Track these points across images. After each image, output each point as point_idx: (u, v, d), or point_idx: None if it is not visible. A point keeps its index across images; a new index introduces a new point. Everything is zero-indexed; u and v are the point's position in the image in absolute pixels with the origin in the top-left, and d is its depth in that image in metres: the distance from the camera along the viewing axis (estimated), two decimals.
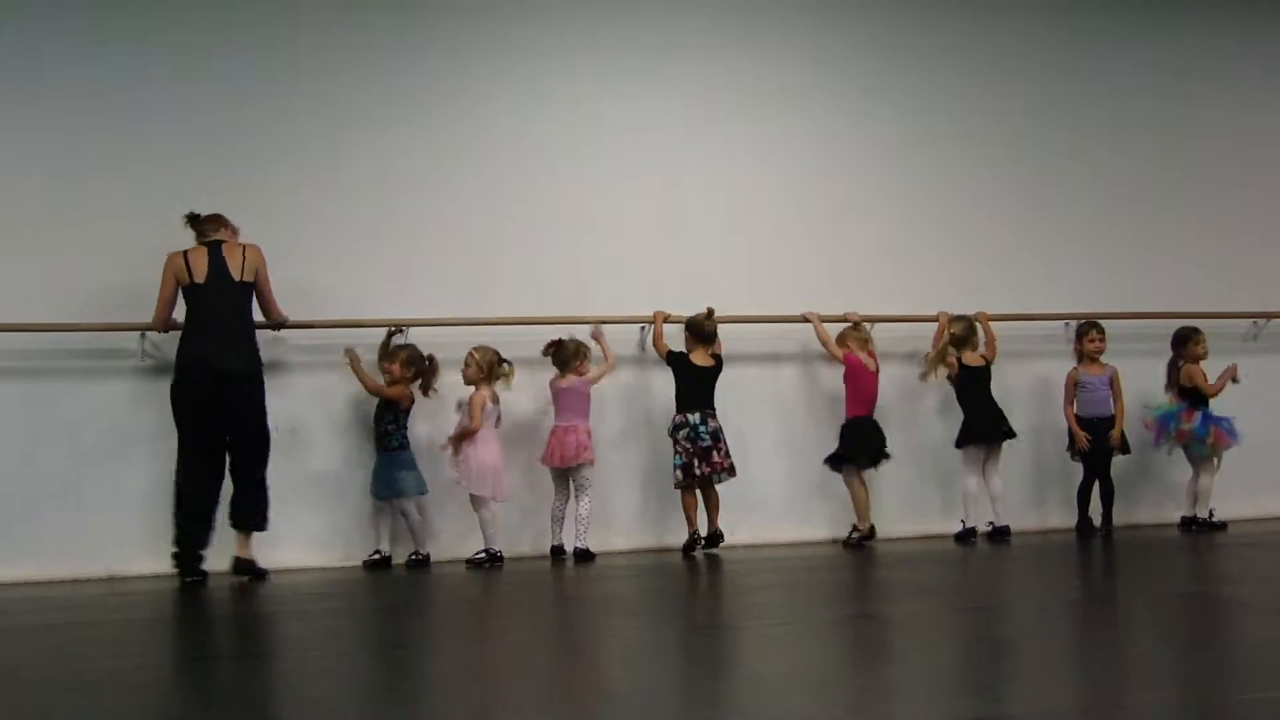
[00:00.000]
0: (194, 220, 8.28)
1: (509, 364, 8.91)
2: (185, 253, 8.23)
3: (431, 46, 9.45)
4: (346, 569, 8.79)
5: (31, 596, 7.93)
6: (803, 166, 10.11)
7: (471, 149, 9.45)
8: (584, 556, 8.90)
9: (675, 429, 9.12)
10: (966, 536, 9.56)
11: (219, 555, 8.28)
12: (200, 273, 8.16)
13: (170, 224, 8.42)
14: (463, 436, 8.74)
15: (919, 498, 9.96)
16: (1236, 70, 11.04)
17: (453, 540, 8.99)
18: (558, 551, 9.02)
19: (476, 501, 8.82)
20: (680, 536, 9.25)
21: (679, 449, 9.08)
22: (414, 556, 8.80)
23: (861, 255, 10.05)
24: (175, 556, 8.16)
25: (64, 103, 8.77)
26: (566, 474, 9.05)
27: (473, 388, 8.82)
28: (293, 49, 9.20)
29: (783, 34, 10.14)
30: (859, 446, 9.46)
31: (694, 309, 9.38)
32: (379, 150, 9.30)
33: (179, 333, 8.35)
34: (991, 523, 9.64)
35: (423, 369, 8.82)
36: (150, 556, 8.40)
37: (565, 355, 9.09)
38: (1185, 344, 10.03)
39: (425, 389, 8.87)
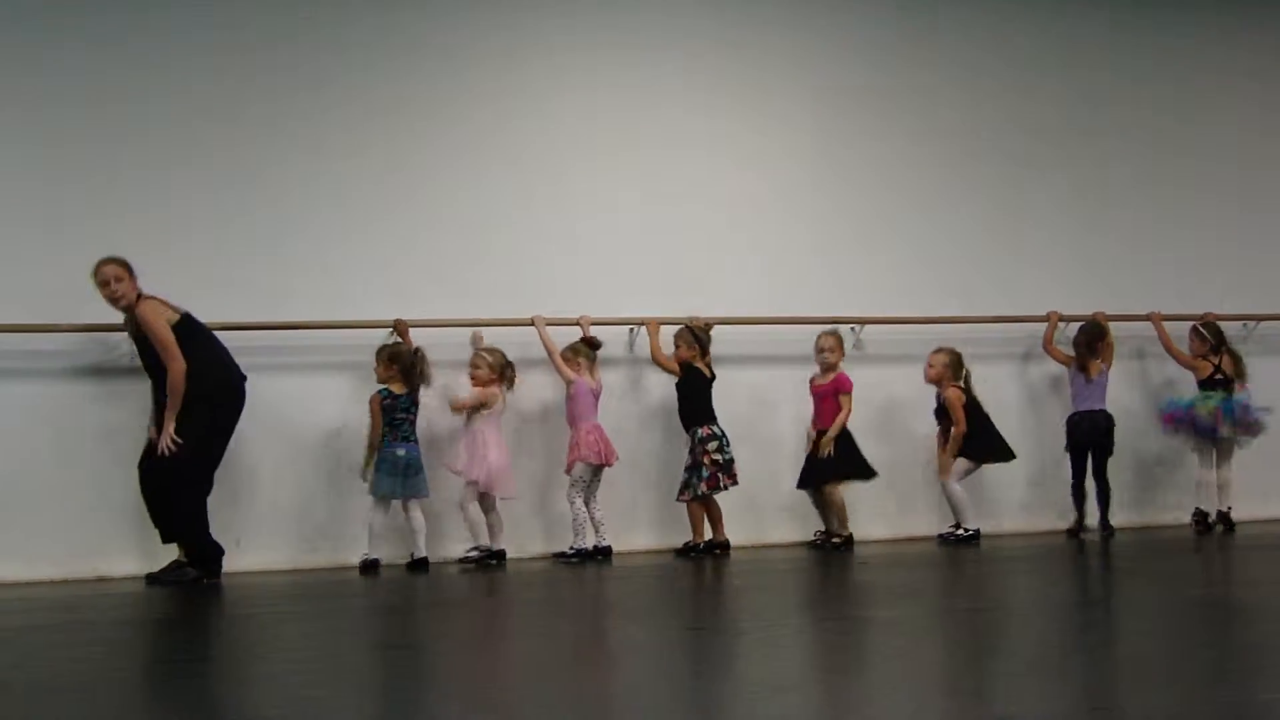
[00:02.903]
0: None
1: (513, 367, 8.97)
2: (152, 297, 8.17)
3: (426, 50, 9.43)
4: (329, 570, 8.75)
5: (19, 597, 7.88)
6: (792, 169, 10.12)
7: (465, 150, 9.42)
8: (609, 553, 8.96)
9: (704, 440, 9.07)
10: (969, 538, 9.56)
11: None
12: (176, 307, 8.18)
13: (164, 223, 8.50)
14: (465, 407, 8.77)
15: (901, 500, 9.95)
16: (1230, 73, 11.09)
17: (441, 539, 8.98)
18: (593, 553, 8.94)
19: (485, 501, 8.80)
20: (674, 536, 9.30)
21: (707, 460, 9.04)
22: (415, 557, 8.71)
23: (855, 257, 10.08)
24: (210, 564, 8.21)
25: (59, 103, 8.69)
26: (594, 473, 9.05)
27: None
28: (290, 53, 9.15)
29: (772, 37, 10.14)
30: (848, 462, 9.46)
31: (684, 312, 9.42)
32: (372, 151, 9.26)
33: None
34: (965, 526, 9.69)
35: (409, 364, 8.74)
36: (138, 557, 8.37)
37: (594, 356, 9.13)
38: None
39: (423, 381, 8.77)
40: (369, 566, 8.59)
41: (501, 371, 8.86)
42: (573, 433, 9.02)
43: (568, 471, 9.03)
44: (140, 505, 8.28)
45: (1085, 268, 10.52)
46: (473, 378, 8.87)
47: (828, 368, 9.48)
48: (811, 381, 9.57)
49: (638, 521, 9.46)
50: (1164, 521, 10.32)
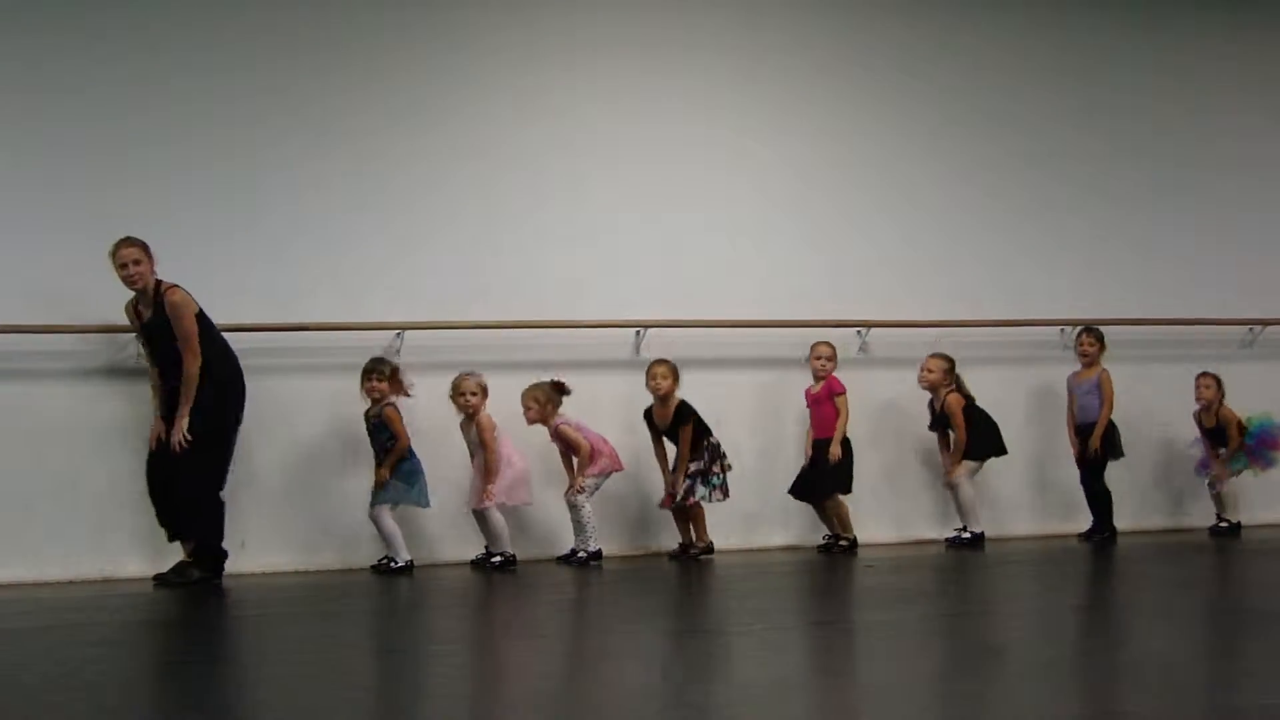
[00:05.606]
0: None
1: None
2: (176, 285, 8.16)
3: (428, 50, 9.42)
4: (335, 573, 8.76)
5: (26, 598, 7.89)
6: (799, 172, 10.10)
7: (466, 152, 9.40)
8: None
9: (716, 448, 9.09)
10: (974, 541, 9.57)
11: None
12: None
13: (164, 223, 8.46)
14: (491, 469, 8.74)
15: (905, 502, 9.96)
16: (1237, 75, 11.09)
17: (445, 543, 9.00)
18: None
19: (498, 509, 8.77)
20: (664, 541, 9.37)
21: (719, 469, 9.06)
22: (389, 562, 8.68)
23: (859, 261, 10.07)
24: (217, 563, 8.22)
25: (68, 106, 8.69)
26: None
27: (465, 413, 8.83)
28: (298, 55, 9.15)
29: (780, 39, 10.14)
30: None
31: (687, 314, 9.48)
32: (381, 154, 9.25)
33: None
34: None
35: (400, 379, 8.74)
36: (145, 558, 8.39)
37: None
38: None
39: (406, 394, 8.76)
40: (409, 567, 8.57)
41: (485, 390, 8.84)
42: (583, 449, 8.92)
43: (578, 488, 8.92)
44: (148, 506, 8.29)
45: (1091, 272, 10.52)
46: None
47: (821, 377, 9.46)
48: (807, 392, 9.54)
49: (625, 524, 9.46)
50: (1166, 526, 10.34)
